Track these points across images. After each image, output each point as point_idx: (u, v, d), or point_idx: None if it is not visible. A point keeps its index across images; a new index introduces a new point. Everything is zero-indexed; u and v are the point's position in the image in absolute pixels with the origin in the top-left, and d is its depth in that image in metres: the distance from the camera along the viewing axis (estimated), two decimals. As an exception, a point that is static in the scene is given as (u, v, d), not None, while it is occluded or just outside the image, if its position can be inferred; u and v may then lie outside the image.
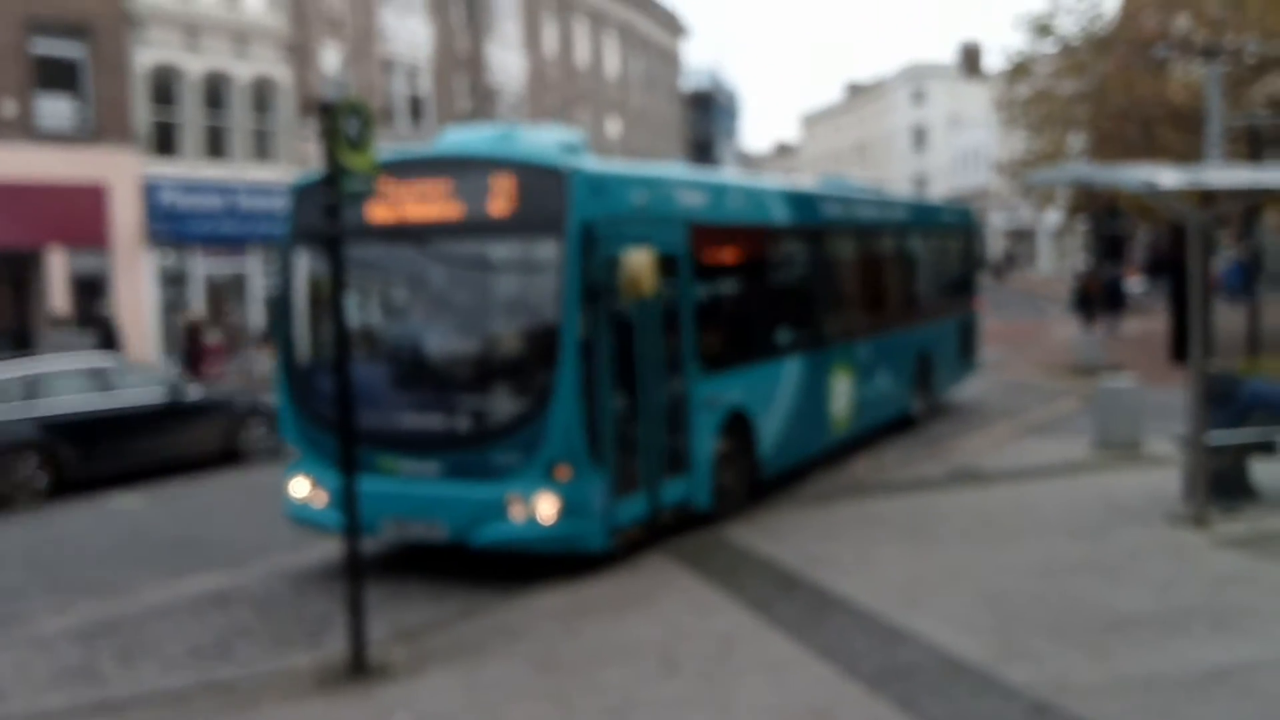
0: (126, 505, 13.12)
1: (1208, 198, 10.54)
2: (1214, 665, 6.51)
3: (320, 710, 6.39)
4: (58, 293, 23.97)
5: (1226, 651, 6.74)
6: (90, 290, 24.88)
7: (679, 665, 6.89)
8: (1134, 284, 38.29)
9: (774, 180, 16.18)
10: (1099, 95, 25.15)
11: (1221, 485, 10.30)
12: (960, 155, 76.60)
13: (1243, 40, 21.73)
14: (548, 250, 8.77)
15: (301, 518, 9.73)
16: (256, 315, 28.22)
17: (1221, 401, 10.36)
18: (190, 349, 23.23)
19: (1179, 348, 9.93)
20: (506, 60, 39.98)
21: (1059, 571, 8.56)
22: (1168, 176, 9.94)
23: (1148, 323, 31.81)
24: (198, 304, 27.05)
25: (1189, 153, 23.09)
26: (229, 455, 15.51)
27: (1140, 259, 45.49)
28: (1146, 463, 12.60)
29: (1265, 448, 10.41)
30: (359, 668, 6.92)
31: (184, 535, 11.45)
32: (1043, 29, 24.93)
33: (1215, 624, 7.24)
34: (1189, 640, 6.97)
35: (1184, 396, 10.16)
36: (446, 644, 7.46)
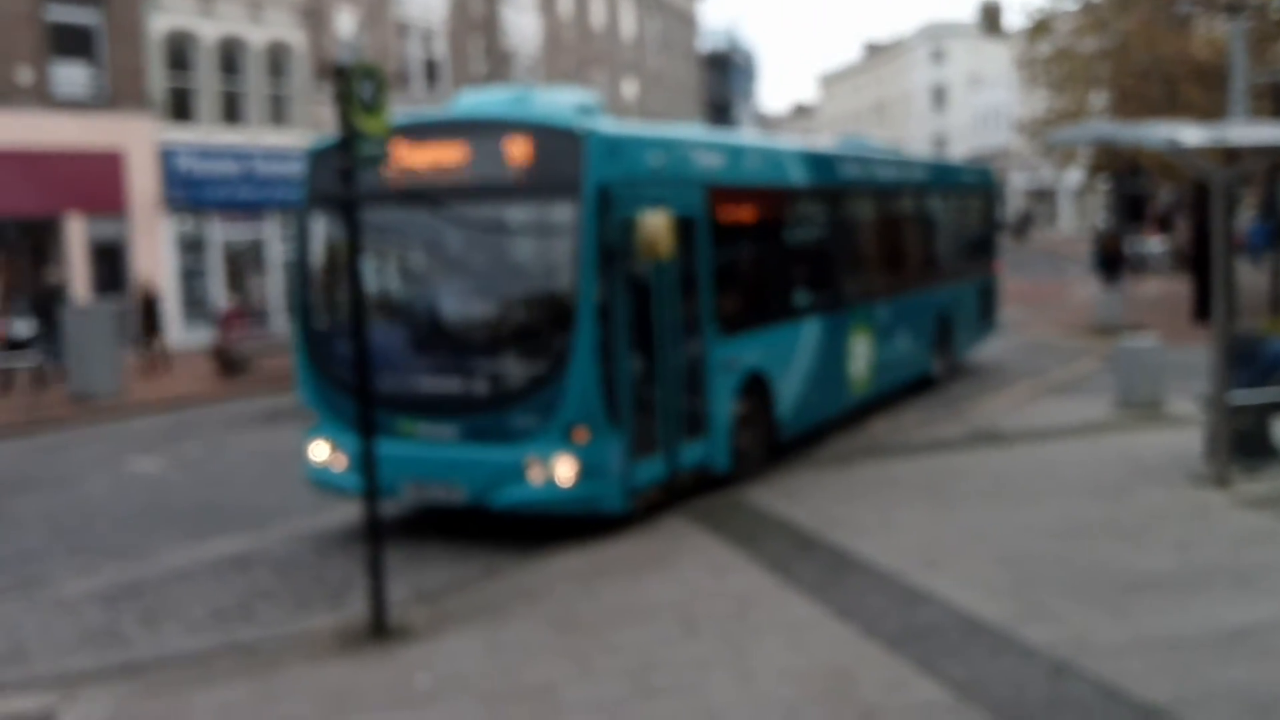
0: (143, 468, 13.23)
1: (1231, 155, 10.39)
2: (1235, 625, 6.47)
3: (341, 671, 6.43)
4: (77, 260, 24.05)
5: (1248, 611, 6.70)
6: (109, 257, 24.98)
7: (698, 625, 6.90)
8: (1154, 244, 37.87)
9: (791, 141, 16.03)
10: (1121, 53, 24.80)
11: (1243, 445, 10.21)
12: (980, 115, 75.79)
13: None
14: (564, 213, 8.71)
15: (321, 481, 9.77)
16: (275, 280, 28.29)
17: (1244, 361, 10.26)
18: (147, 318, 22.26)
19: (1201, 307, 9.80)
20: (521, 22, 39.67)
21: (1079, 532, 8.52)
22: (1191, 134, 9.78)
23: (1165, 284, 31.56)
24: (215, 270, 27.13)
25: (1212, 110, 22.76)
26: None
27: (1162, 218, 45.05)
28: (1168, 422, 12.51)
29: (1289, 407, 10.31)
30: (379, 629, 6.96)
31: (205, 499, 11.53)
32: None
33: (1237, 584, 7.20)
34: (1210, 600, 6.93)
35: (1206, 356, 10.06)
36: (466, 605, 7.49)
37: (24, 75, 23.03)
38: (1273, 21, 22.60)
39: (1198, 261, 10.01)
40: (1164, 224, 36.18)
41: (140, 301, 22.52)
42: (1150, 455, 10.92)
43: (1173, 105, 24.24)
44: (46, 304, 22.28)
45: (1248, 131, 11.75)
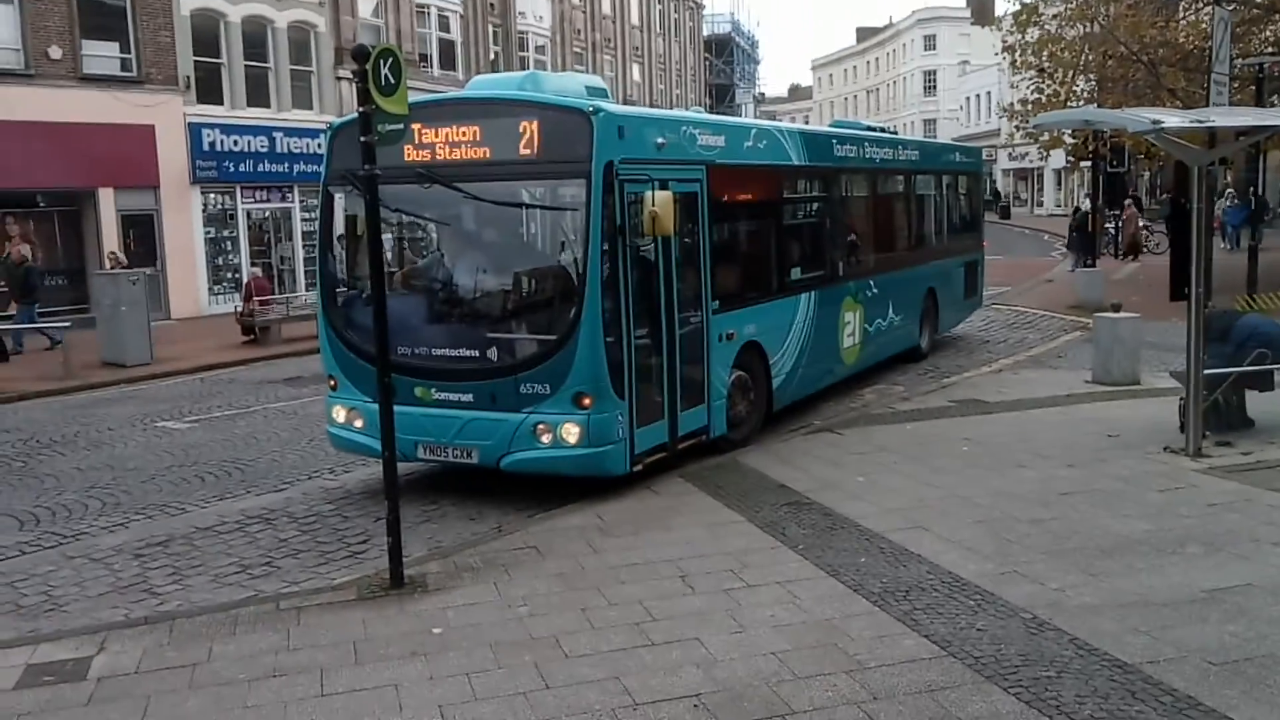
0: (172, 429, 13.26)
1: (1212, 139, 10.32)
2: (1207, 587, 6.48)
3: (360, 622, 6.46)
4: (109, 233, 24.00)
5: (1219, 574, 6.70)
6: (140, 229, 24.95)
7: (696, 581, 6.92)
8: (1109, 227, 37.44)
9: (788, 123, 15.92)
10: (1106, 38, 24.54)
11: (1218, 417, 10.22)
12: (969, 99, 75.27)
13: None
14: (573, 189, 8.68)
15: (342, 443, 9.80)
16: (297, 250, 28.27)
17: (1220, 336, 10.24)
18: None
19: (1179, 285, 9.78)
20: (533, 7, 39.37)
21: (1057, 497, 8.52)
22: (1173, 119, 9.72)
23: (1145, 261, 31.44)
24: (240, 241, 27.07)
25: (1195, 96, 22.56)
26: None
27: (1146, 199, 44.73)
28: (1145, 395, 12.50)
29: (1261, 381, 10.30)
30: (396, 582, 7.00)
31: (231, 458, 11.57)
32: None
33: (1209, 548, 7.21)
34: (1183, 563, 6.94)
35: (1183, 331, 10.03)
36: (478, 560, 7.52)
37: (56, 52, 22.91)
38: (1256, 7, 22.35)
39: (1175, 241, 9.96)
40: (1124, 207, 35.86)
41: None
42: (1127, 426, 10.91)
43: (1156, 91, 24.04)
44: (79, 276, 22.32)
45: (1228, 116, 11.67)
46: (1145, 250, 33.54)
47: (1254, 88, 21.00)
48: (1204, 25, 22.51)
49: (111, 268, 20.60)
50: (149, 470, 11.18)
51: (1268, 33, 23.84)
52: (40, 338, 20.40)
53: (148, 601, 7.33)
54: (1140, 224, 35.43)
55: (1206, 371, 9.66)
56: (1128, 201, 35.87)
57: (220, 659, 6.04)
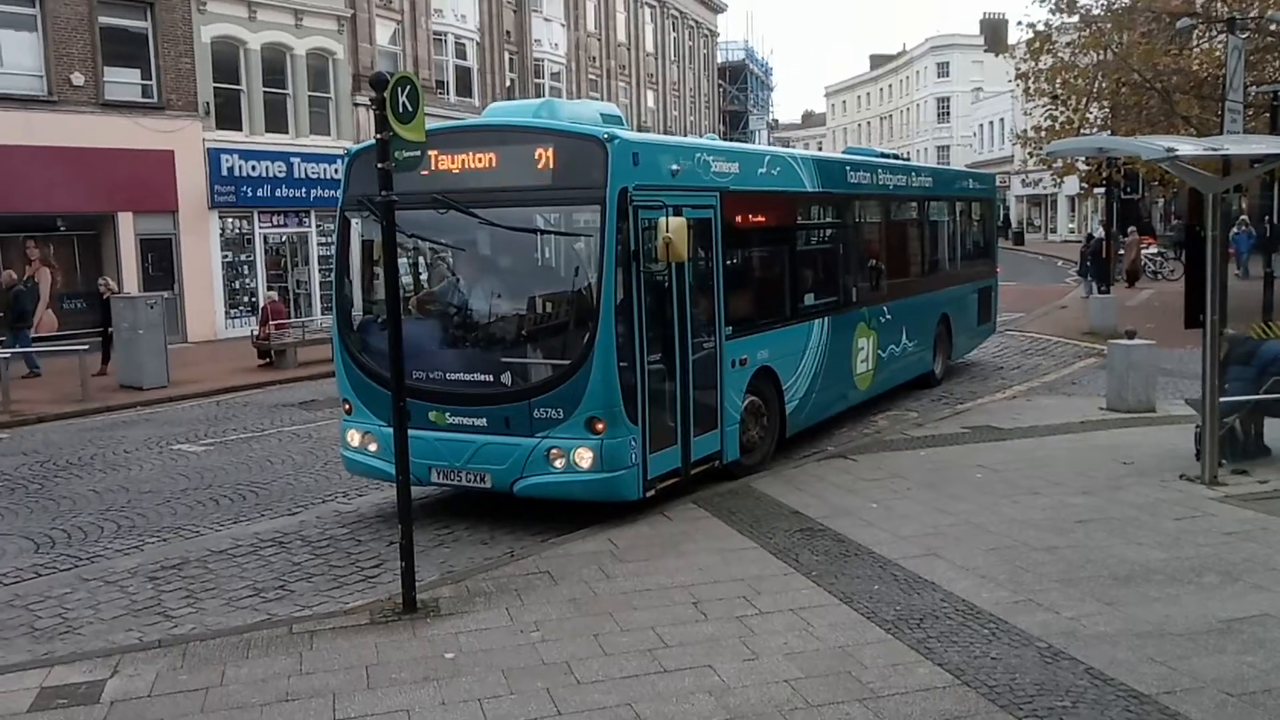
0: (188, 452, 13.31)
1: (1227, 167, 10.31)
2: (1224, 617, 6.42)
3: (373, 646, 6.46)
4: (128, 257, 24.19)
5: (1236, 604, 6.64)
6: (159, 253, 25.14)
7: (709, 607, 6.90)
8: (1148, 251, 37.43)
9: (801, 149, 15.98)
10: (1120, 66, 24.57)
11: (1234, 445, 10.15)
12: (983, 125, 75.39)
13: (1265, 11, 21.11)
14: (588, 216, 8.72)
15: (356, 467, 9.82)
16: (313, 275, 28.43)
17: (1243, 360, 10.17)
18: (106, 318, 20.00)
19: (1192, 312, 9.73)
20: (549, 34, 39.66)
21: (1072, 525, 8.47)
22: (1187, 147, 9.71)
23: (1158, 288, 31.32)
24: (257, 265, 27.23)
25: (1208, 123, 22.55)
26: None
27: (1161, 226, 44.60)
28: (1160, 423, 12.43)
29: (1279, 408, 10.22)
30: (409, 607, 6.99)
31: (246, 481, 11.60)
32: (1068, 3, 24.34)
33: (1225, 577, 7.15)
34: (1199, 593, 6.88)
35: (1199, 358, 9.98)
36: (491, 585, 7.51)
37: (79, 78, 23.19)
38: (1269, 36, 22.36)
39: (1190, 268, 9.92)
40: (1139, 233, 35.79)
41: (102, 302, 20.42)
42: (1142, 453, 10.85)
43: (1170, 118, 24.02)
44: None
45: (1241, 144, 11.66)
46: (1146, 276, 33.54)
47: (1269, 115, 20.96)
48: (1217, 53, 22.51)
49: (103, 295, 20.25)
50: (164, 493, 11.22)
51: (1281, 65, 23.84)
52: (21, 364, 19.88)
53: (162, 624, 7.34)
54: (1142, 251, 35.39)
55: (1223, 399, 9.61)
56: (1131, 229, 35.82)
57: (233, 682, 6.03)
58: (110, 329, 19.66)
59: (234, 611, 7.54)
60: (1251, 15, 21.57)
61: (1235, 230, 33.33)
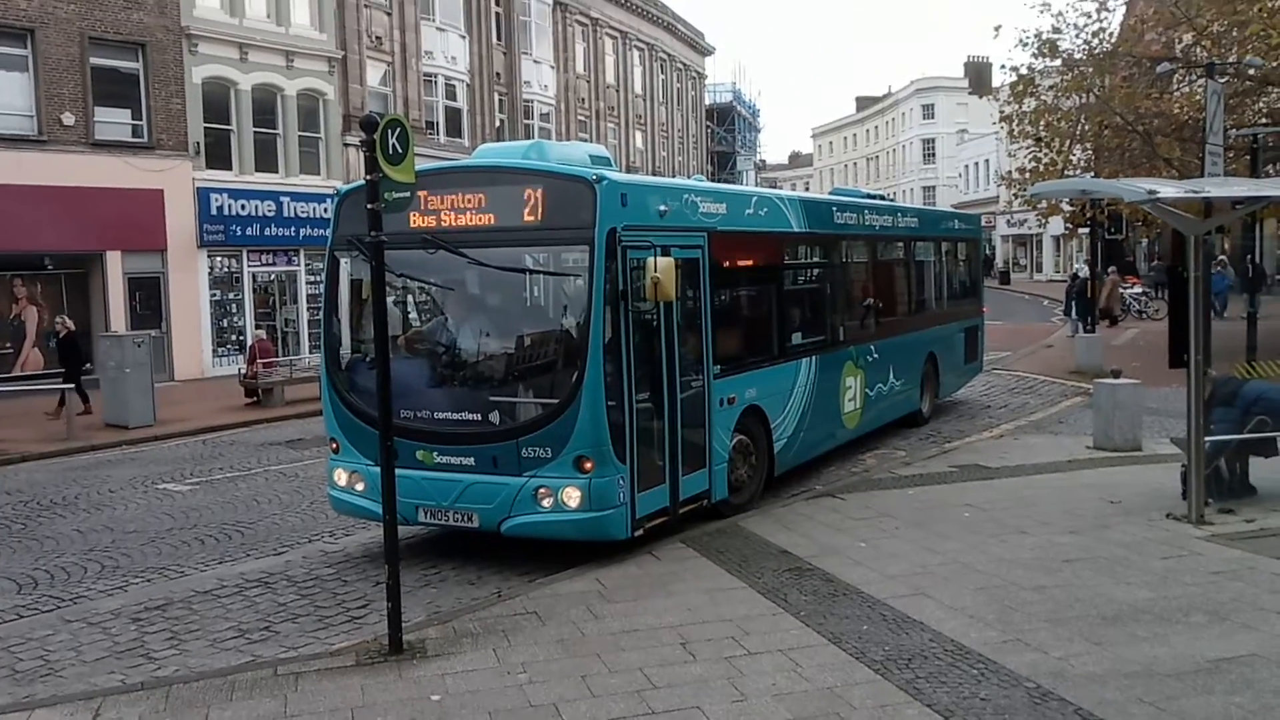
0: (173, 491, 13.23)
1: (1208, 209, 10.43)
2: (1211, 657, 6.42)
3: (358, 688, 6.40)
4: (115, 295, 24.17)
5: (1224, 644, 6.64)
6: (146, 291, 25.12)
7: (698, 648, 6.86)
8: (1132, 291, 37.75)
9: (788, 190, 16.11)
10: (1102, 109, 24.91)
11: (1221, 484, 10.19)
12: (968, 166, 76.15)
13: (1243, 56, 21.47)
14: (577, 256, 8.77)
15: (343, 506, 9.78)
16: (302, 313, 28.42)
17: (1226, 401, 10.23)
18: (65, 355, 19.84)
19: (1176, 353, 9.81)
20: (538, 76, 40.00)
21: (1060, 564, 8.47)
22: (1168, 189, 9.83)
23: (1144, 327, 31.52)
24: (245, 303, 27.22)
25: (1190, 165, 22.82)
26: None
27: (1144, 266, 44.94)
28: (1147, 461, 12.48)
29: (1265, 447, 10.28)
30: (396, 648, 6.94)
31: (232, 521, 11.53)
32: (1050, 47, 24.71)
33: (1213, 617, 7.15)
34: (1187, 633, 6.88)
35: (1184, 397, 10.04)
36: (478, 626, 7.46)
37: (69, 118, 23.28)
38: (1248, 80, 22.72)
39: (1173, 308, 10.00)
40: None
41: (59, 340, 20.15)
42: (1129, 492, 10.88)
43: (1152, 160, 24.32)
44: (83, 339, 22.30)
45: (1222, 186, 11.80)
46: (1132, 316, 33.89)
47: (1249, 157, 21.24)
48: (1197, 97, 22.84)
49: (59, 333, 19.85)
50: (149, 533, 11.13)
51: (1261, 104, 24.19)
52: None
53: (144, 667, 7.26)
54: (1125, 290, 35.73)
55: (1209, 439, 9.66)
56: (1112, 269, 36.17)
57: (216, 726, 5.97)
58: (83, 367, 19.33)
59: (218, 653, 7.47)
60: (1230, 60, 21.92)
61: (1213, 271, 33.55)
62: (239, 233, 26.65)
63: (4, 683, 7.05)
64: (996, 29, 75.03)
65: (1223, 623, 7.04)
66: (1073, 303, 30.69)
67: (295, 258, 28.27)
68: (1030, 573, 8.26)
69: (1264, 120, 23.20)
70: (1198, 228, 9.72)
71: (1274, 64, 20.98)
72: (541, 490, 8.67)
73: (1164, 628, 6.97)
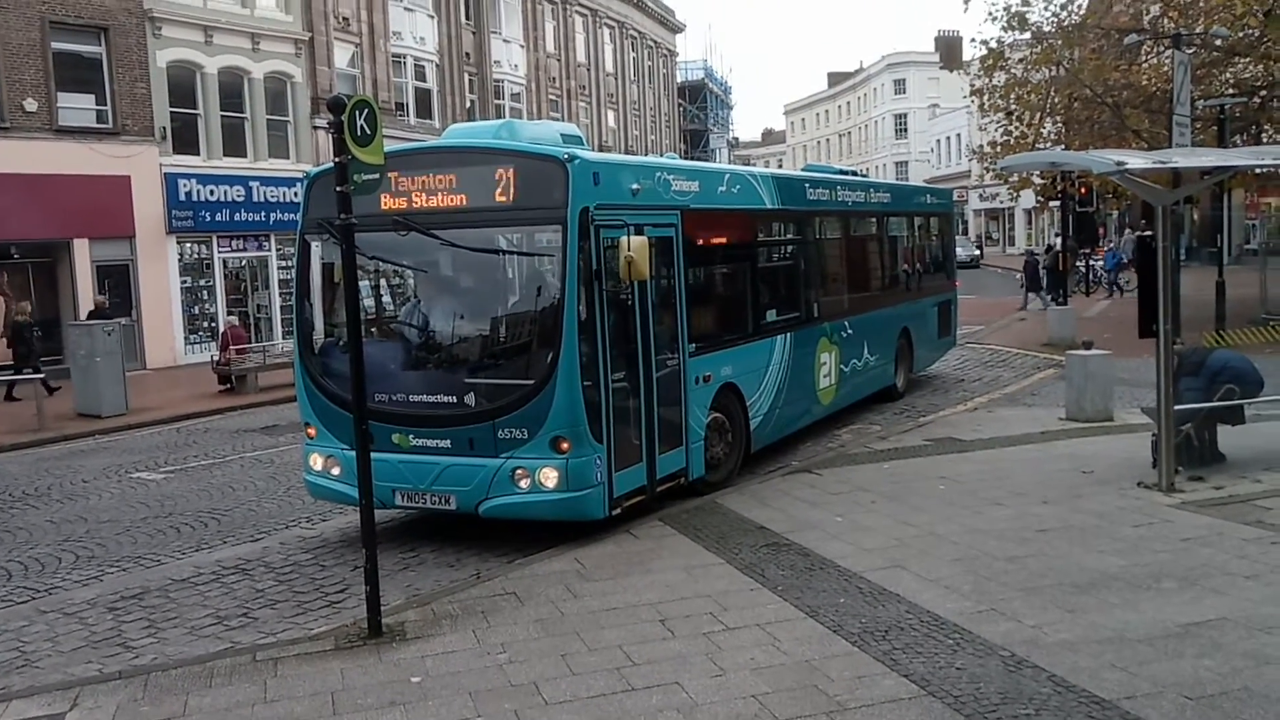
0: (148, 479, 13.14)
1: (1176, 179, 10.52)
2: (1182, 622, 6.52)
3: (338, 672, 6.41)
4: (84, 283, 23.90)
5: (1194, 609, 6.75)
6: (116, 279, 24.85)
7: (676, 625, 6.90)
8: (1100, 263, 37.95)
9: (761, 168, 16.12)
10: (1071, 82, 25.03)
11: (1190, 452, 10.32)
12: (940, 141, 76.36)
13: (1210, 27, 21.61)
14: (550, 236, 8.74)
15: (320, 491, 9.75)
16: (273, 298, 28.21)
17: (1192, 371, 10.37)
18: (13, 342, 19.78)
19: (1146, 323, 9.91)
20: (508, 55, 39.74)
21: (1034, 534, 8.57)
22: (1136, 160, 9.90)
23: (1107, 301, 31.80)
24: (216, 289, 27.01)
25: (1158, 136, 23.00)
26: None
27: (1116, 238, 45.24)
28: (1118, 431, 12.62)
29: (1231, 415, 10.42)
30: (375, 631, 6.94)
31: (208, 508, 11.47)
32: (1019, 20, 24.77)
33: (1183, 583, 7.26)
34: (1158, 598, 6.99)
35: (1154, 367, 10.15)
36: (457, 608, 7.47)
37: (32, 104, 22.93)
38: (1215, 51, 22.89)
39: (1142, 279, 10.10)
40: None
41: (10, 325, 20.05)
42: (1101, 462, 11.00)
43: (1121, 132, 24.48)
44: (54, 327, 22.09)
45: (1190, 157, 11.90)
46: (1102, 289, 34.41)
47: (1216, 128, 21.42)
48: (1165, 68, 22.99)
49: (16, 318, 19.76)
50: (124, 522, 11.06)
51: (1228, 74, 24.38)
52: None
53: (122, 655, 7.23)
54: (1094, 262, 36.09)
55: (1178, 407, 9.78)
56: (1056, 237, 36.66)
57: (196, 713, 5.96)
58: (37, 360, 19.13)
59: (196, 640, 7.45)
60: (1197, 31, 22.06)
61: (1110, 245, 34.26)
62: (208, 218, 26.38)
63: (-20, 675, 7.01)
64: (966, 2, 74.77)
65: (1192, 588, 7.15)
66: (1038, 277, 31.04)
67: (266, 243, 28.03)
68: (1005, 543, 8.36)
69: (1231, 91, 23.41)
70: (1166, 198, 9.80)
71: (1240, 34, 21.13)
72: (519, 471, 8.68)
73: (1135, 594, 7.07)
